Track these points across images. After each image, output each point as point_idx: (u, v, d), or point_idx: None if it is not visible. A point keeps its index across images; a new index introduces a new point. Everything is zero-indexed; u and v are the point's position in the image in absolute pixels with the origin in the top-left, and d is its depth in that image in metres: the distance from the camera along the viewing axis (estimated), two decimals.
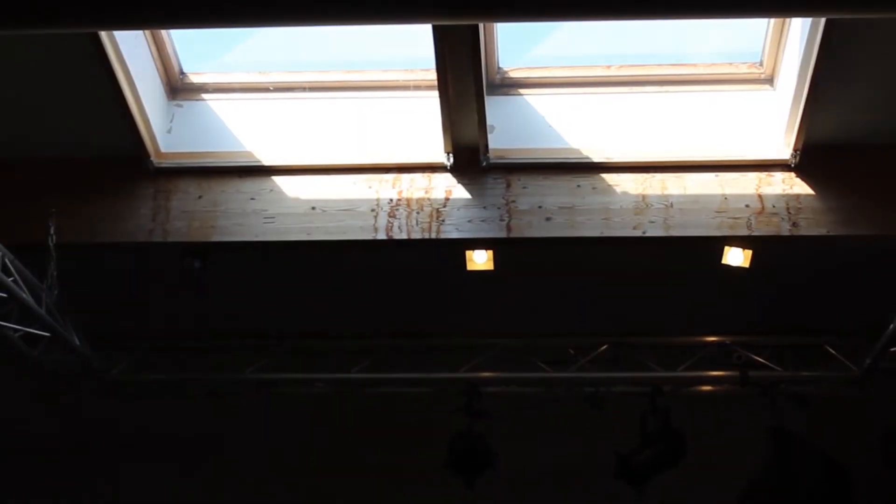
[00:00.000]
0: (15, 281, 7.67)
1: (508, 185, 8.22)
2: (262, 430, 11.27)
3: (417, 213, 8.16)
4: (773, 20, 7.90)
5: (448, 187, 8.22)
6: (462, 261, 8.31)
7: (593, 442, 9.94)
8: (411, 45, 8.17)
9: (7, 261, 7.60)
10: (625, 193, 8.11)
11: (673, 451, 9.38)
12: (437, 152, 8.23)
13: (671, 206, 8.08)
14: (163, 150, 8.40)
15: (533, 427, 10.22)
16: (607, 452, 9.35)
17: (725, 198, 8.06)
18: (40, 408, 10.82)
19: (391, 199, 8.19)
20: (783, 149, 8.07)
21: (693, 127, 8.24)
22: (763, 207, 8.03)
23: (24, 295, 7.77)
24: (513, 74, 8.41)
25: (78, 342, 8.78)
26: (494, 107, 8.20)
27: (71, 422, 11.16)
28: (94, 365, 9.19)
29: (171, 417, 10.85)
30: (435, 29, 7.27)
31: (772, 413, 9.54)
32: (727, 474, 9.95)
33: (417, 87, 8.37)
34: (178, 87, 8.60)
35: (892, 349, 8.91)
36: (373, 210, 8.18)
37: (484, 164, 8.22)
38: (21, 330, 8.18)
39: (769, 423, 9.52)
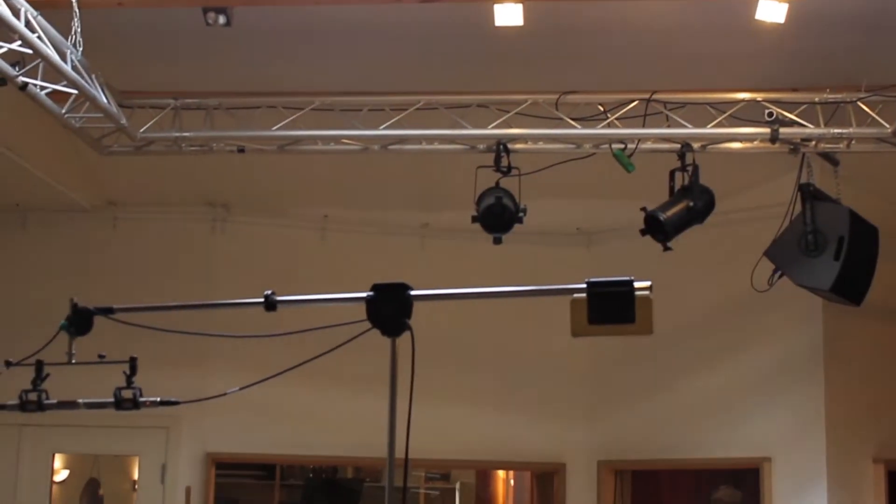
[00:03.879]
0: (39, 37, 7.57)
1: None
2: (289, 189, 11.38)
3: None
4: None
5: None
6: (490, 16, 8.14)
7: (621, 199, 9.98)
8: None
9: (30, 16, 7.48)
10: None
11: (701, 208, 9.40)
12: None
13: None
14: None
15: (561, 185, 10.25)
16: (634, 209, 9.37)
17: None
18: (70, 167, 10.92)
19: None
20: None
21: None
22: None
23: (48, 51, 7.69)
24: None
25: (105, 100, 8.75)
26: None
27: (100, 180, 11.28)
28: (122, 122, 9.17)
29: (199, 174, 10.95)
30: None
31: (802, 171, 9.51)
32: (755, 230, 10.04)
33: None
34: None
35: None
36: None
37: None
38: (48, 87, 8.14)
39: (799, 181, 9.50)
